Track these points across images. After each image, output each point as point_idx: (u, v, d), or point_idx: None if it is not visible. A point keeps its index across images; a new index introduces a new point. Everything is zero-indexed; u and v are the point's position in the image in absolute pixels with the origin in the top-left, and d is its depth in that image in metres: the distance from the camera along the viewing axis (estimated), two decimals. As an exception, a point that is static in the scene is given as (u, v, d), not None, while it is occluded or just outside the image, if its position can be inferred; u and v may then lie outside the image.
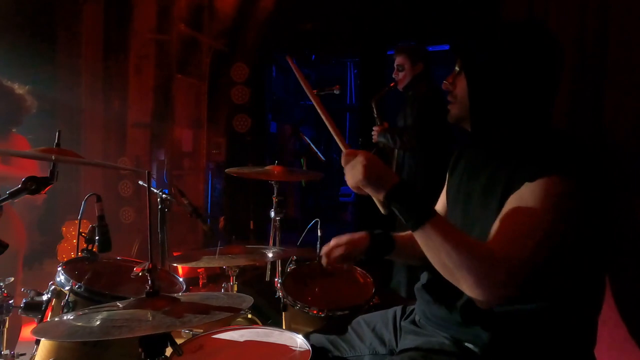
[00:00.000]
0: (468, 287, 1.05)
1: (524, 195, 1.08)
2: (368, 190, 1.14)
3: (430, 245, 1.08)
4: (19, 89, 2.73)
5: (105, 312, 1.13)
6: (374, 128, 3.18)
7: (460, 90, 1.26)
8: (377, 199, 1.15)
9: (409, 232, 1.59)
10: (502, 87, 1.19)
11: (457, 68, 1.28)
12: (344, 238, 1.47)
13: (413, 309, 1.46)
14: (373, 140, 3.17)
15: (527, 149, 1.16)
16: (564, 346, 1.18)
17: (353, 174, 1.14)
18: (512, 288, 1.05)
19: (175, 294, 1.26)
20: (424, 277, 1.42)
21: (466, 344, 1.23)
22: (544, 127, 1.22)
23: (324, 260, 1.49)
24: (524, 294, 1.12)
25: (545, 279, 1.12)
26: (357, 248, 1.46)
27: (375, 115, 3.22)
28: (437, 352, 1.25)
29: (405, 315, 1.48)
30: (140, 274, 1.18)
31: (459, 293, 1.13)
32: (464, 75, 1.25)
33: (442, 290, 1.30)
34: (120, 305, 1.18)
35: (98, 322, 1.06)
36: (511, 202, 1.10)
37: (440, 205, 1.58)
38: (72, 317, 1.15)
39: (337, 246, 1.46)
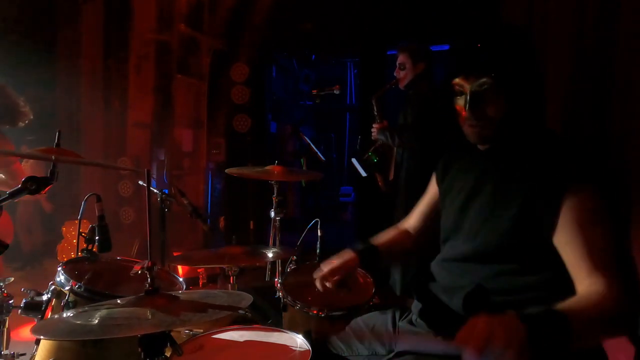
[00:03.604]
0: (620, 334, 1.08)
1: (579, 218, 1.09)
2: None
3: (588, 340, 1.05)
4: (16, 96, 2.71)
5: (105, 310, 1.13)
6: (373, 125, 3.18)
7: (496, 112, 1.19)
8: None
9: (388, 236, 1.62)
10: (532, 101, 1.20)
11: (475, 88, 1.18)
12: (335, 264, 1.46)
13: (411, 309, 1.47)
14: (372, 138, 3.18)
15: (546, 156, 1.17)
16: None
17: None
18: (634, 296, 1.06)
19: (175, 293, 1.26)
20: (419, 277, 1.42)
21: None
22: (549, 132, 1.23)
23: (319, 285, 1.45)
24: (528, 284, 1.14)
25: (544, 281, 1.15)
26: (350, 271, 1.47)
27: (376, 113, 3.22)
28: (430, 352, 1.25)
29: (404, 316, 1.48)
30: (139, 271, 1.18)
31: (458, 291, 1.13)
32: (498, 96, 1.18)
33: (441, 286, 1.31)
34: (120, 302, 1.18)
35: (98, 321, 1.06)
36: (572, 229, 1.10)
37: (422, 206, 1.60)
38: (71, 315, 1.15)
39: (331, 273, 1.45)
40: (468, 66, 1.21)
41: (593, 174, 1.12)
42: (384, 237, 1.62)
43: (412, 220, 1.65)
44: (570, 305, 1.02)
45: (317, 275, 1.47)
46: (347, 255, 1.48)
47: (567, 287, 1.16)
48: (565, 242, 1.11)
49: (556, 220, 1.11)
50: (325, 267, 1.46)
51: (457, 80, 1.22)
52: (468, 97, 1.20)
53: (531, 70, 1.20)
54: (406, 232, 1.65)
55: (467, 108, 1.20)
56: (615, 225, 1.09)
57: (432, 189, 1.55)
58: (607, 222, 1.09)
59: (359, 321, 1.54)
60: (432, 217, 1.56)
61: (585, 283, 1.08)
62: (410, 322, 1.41)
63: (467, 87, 1.20)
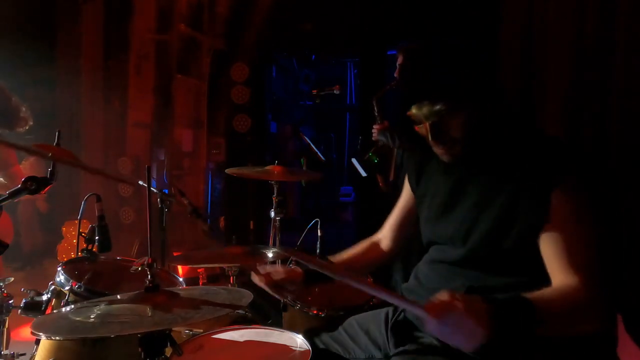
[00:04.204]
0: (586, 330, 1.10)
1: (560, 213, 1.10)
2: (468, 346, 0.96)
3: (556, 330, 1.07)
4: (18, 101, 2.69)
5: (105, 308, 1.13)
6: (374, 126, 3.18)
7: (460, 131, 1.17)
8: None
9: (353, 251, 1.64)
10: (495, 107, 1.18)
11: (432, 118, 1.17)
12: (280, 272, 1.46)
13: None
14: (373, 138, 3.18)
15: (529, 157, 1.16)
16: (554, 344, 1.18)
17: (468, 332, 0.94)
18: (607, 297, 1.09)
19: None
20: (412, 275, 1.42)
21: None
22: (532, 132, 1.24)
23: (255, 279, 1.44)
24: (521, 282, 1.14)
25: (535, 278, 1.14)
26: (293, 280, 1.46)
27: (376, 113, 3.22)
28: (425, 351, 1.26)
29: (397, 315, 1.47)
30: (139, 268, 1.18)
31: (446, 286, 1.14)
32: (457, 117, 1.16)
33: (425, 286, 1.33)
34: (119, 297, 1.18)
35: (98, 318, 1.06)
36: (552, 226, 1.11)
37: (394, 224, 1.59)
38: (71, 311, 1.15)
39: (275, 272, 1.45)
40: (418, 97, 1.18)
41: (579, 172, 1.11)
42: (348, 252, 1.63)
43: (385, 230, 1.63)
44: (539, 294, 1.05)
45: (259, 269, 1.45)
46: (295, 270, 1.48)
47: None
48: (547, 237, 1.11)
49: (545, 218, 1.12)
50: (270, 269, 1.46)
51: (412, 111, 1.20)
52: (428, 127, 1.18)
53: (484, 79, 1.17)
54: (374, 245, 1.64)
55: (429, 137, 1.19)
56: (598, 223, 1.10)
57: (406, 194, 1.53)
58: (590, 220, 1.09)
59: (353, 323, 1.52)
60: (408, 223, 1.55)
61: (561, 277, 1.09)
62: (404, 321, 1.40)
63: (423, 116, 1.18)
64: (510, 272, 1.18)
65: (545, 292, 1.07)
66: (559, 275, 1.10)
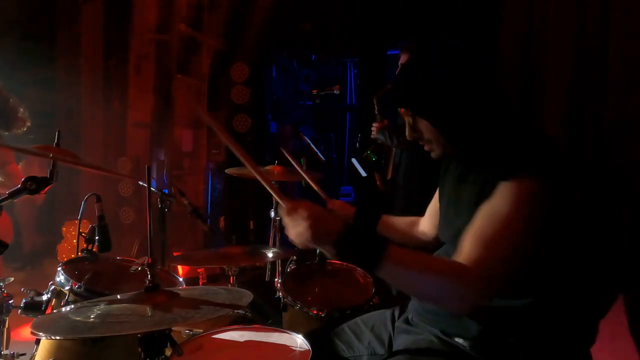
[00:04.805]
0: (450, 308, 1.11)
1: (493, 201, 1.09)
2: (315, 246, 1.11)
3: (397, 279, 1.08)
4: (17, 102, 2.68)
5: (105, 308, 1.13)
6: (373, 124, 3.18)
7: (428, 132, 1.23)
8: (324, 250, 1.11)
9: (402, 220, 1.72)
10: (458, 109, 1.18)
11: (408, 118, 1.25)
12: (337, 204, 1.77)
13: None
14: (372, 136, 3.18)
15: (496, 154, 1.18)
16: (555, 343, 1.18)
17: (298, 232, 1.09)
18: (491, 293, 1.08)
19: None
20: None
21: (456, 339, 1.23)
22: (512, 130, 1.22)
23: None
24: (508, 291, 1.13)
25: (527, 277, 1.13)
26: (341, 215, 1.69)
27: (376, 112, 3.23)
28: (424, 351, 1.26)
29: (401, 315, 1.48)
30: (139, 268, 1.18)
31: None
32: (420, 119, 1.22)
33: None
34: (119, 297, 1.18)
35: (98, 318, 1.06)
36: (481, 210, 1.11)
37: (430, 212, 1.62)
38: (71, 311, 1.15)
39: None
40: (393, 102, 1.29)
41: (535, 170, 1.09)
42: (395, 219, 1.73)
43: (425, 215, 1.67)
44: (404, 248, 1.07)
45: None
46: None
47: (552, 284, 1.17)
48: (476, 214, 1.11)
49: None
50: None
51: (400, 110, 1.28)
52: (406, 126, 1.27)
53: (444, 92, 1.17)
54: (414, 222, 1.71)
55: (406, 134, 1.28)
56: (533, 224, 1.06)
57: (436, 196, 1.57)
58: (523, 217, 1.06)
59: (358, 321, 1.54)
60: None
61: (461, 249, 1.09)
62: (407, 321, 1.41)
63: (402, 117, 1.27)
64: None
65: (412, 250, 1.09)
66: (462, 246, 1.09)
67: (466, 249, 1.07)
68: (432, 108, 1.19)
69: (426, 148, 1.28)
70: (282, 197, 1.20)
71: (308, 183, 1.96)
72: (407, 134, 1.27)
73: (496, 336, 1.18)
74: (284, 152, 1.90)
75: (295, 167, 2.00)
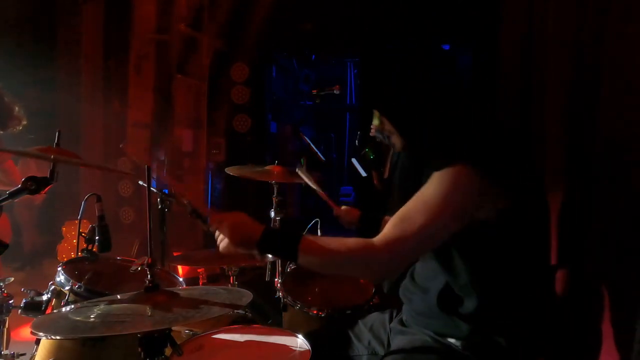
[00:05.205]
0: (365, 278, 1.44)
1: (422, 188, 1.18)
2: (241, 251, 1.23)
3: (317, 265, 1.21)
4: (12, 100, 2.67)
5: (105, 308, 1.13)
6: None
7: (389, 127, 1.40)
8: (251, 253, 1.23)
9: None
10: (421, 116, 1.30)
11: (376, 114, 1.47)
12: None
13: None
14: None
15: (437, 147, 1.27)
16: (541, 340, 1.22)
17: (223, 242, 1.23)
18: (400, 264, 1.18)
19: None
20: (408, 273, 1.44)
21: (449, 339, 1.25)
22: (461, 125, 1.28)
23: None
24: (469, 286, 1.20)
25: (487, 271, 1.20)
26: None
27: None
28: (419, 349, 1.28)
29: (397, 316, 1.49)
30: (139, 268, 1.19)
31: (433, 284, 1.24)
32: (382, 116, 1.41)
33: (419, 284, 1.35)
34: (119, 297, 1.18)
35: (98, 318, 1.06)
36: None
37: None
38: (71, 311, 1.15)
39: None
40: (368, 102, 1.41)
41: (460, 159, 1.15)
42: None
43: None
44: (318, 237, 1.28)
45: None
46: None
47: (519, 280, 1.22)
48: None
49: None
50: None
51: None
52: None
53: (399, 96, 1.33)
54: None
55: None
56: (449, 204, 1.13)
57: None
58: (439, 198, 1.13)
59: (358, 322, 1.55)
60: None
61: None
62: (400, 322, 1.42)
63: None
64: (468, 259, 1.21)
65: (337, 238, 1.19)
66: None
67: (386, 228, 1.16)
68: (390, 109, 1.37)
69: (390, 142, 1.44)
70: (207, 212, 1.34)
71: (317, 192, 2.00)
72: (373, 126, 1.49)
73: (486, 336, 1.21)
74: (299, 172, 1.97)
75: (304, 181, 2.04)
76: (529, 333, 1.23)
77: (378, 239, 1.14)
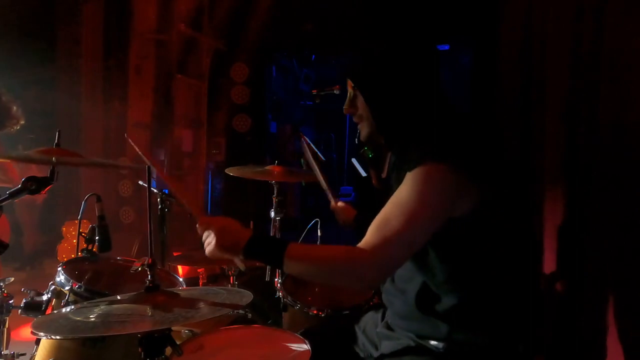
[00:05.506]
0: (353, 287, 1.40)
1: (398, 190, 1.17)
2: (227, 256, 1.19)
3: (303, 273, 1.20)
4: (10, 99, 2.65)
5: (105, 308, 1.13)
6: None
7: (362, 109, 1.32)
8: (236, 259, 1.21)
9: None
10: (394, 96, 1.26)
11: (350, 90, 1.35)
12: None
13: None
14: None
15: (413, 148, 1.23)
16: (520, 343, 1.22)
17: (210, 246, 1.19)
18: (388, 271, 1.18)
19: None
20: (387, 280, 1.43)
21: (431, 342, 1.25)
22: (438, 126, 1.26)
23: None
24: (454, 286, 1.20)
25: (465, 269, 1.20)
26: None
27: None
28: (401, 353, 1.28)
29: (382, 319, 1.48)
30: (139, 268, 1.19)
31: (411, 285, 1.23)
32: (361, 95, 1.31)
33: (398, 286, 1.34)
34: (119, 297, 1.18)
35: (98, 319, 1.06)
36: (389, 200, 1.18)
37: None
38: (71, 311, 1.15)
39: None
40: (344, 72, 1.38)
41: (433, 158, 1.14)
42: None
43: None
44: (304, 244, 1.23)
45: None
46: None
47: (494, 278, 1.22)
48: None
49: None
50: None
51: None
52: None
53: (385, 78, 1.27)
54: None
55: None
56: (427, 206, 1.12)
57: None
58: (416, 201, 1.12)
59: (353, 325, 1.54)
60: None
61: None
62: (386, 326, 1.42)
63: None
64: (444, 256, 1.21)
65: (323, 245, 1.20)
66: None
67: (367, 234, 1.15)
68: (370, 85, 1.29)
69: (358, 126, 1.38)
70: (198, 214, 1.27)
71: (307, 182, 1.98)
72: (345, 105, 1.37)
73: (466, 336, 1.21)
74: (305, 143, 1.94)
75: (306, 165, 2.03)
76: (511, 332, 1.23)
77: (361, 246, 1.13)
